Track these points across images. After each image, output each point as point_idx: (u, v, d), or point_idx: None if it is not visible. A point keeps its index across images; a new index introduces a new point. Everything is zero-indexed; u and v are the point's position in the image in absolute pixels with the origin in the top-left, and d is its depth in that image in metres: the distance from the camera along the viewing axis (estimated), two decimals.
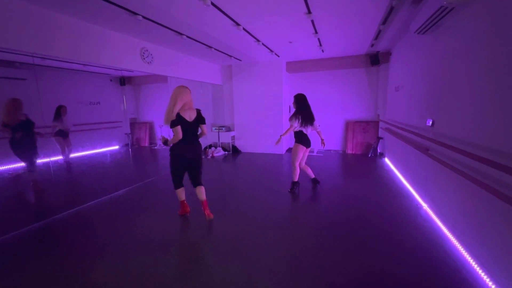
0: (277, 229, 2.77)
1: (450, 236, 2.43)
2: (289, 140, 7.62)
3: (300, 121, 3.62)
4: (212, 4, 2.89)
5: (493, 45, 1.85)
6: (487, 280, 1.82)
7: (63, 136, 5.67)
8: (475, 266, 1.98)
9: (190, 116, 2.80)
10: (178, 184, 2.99)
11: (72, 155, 6.10)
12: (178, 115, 2.72)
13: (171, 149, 2.88)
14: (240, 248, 2.42)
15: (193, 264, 2.23)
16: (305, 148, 3.73)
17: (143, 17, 3.23)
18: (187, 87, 2.83)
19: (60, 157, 6.17)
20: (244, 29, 3.83)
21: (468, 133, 2.15)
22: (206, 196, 3.00)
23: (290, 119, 3.69)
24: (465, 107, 2.22)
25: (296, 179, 3.82)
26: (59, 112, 5.52)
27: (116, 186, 4.33)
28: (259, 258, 2.25)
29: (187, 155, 2.87)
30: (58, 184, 4.83)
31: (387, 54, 5.75)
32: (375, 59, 5.85)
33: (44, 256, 2.35)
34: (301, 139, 3.70)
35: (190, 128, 2.83)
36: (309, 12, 3.26)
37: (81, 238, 2.67)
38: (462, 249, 2.21)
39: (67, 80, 7.05)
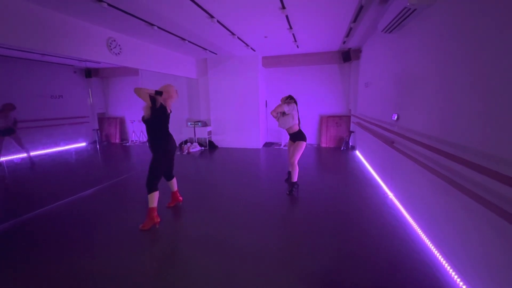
0: (256, 225, 2.80)
1: (412, 222, 2.65)
2: (265, 135, 7.69)
3: (296, 106, 3.53)
4: None
5: (450, 45, 2.01)
6: (443, 261, 2.02)
7: (3, 134, 5.06)
8: (433, 248, 2.18)
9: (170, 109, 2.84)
10: (156, 186, 2.71)
11: (32, 154, 5.60)
12: (162, 105, 2.70)
13: (159, 146, 2.71)
14: (220, 245, 2.41)
15: (173, 262, 2.19)
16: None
17: (109, 4, 3.03)
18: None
19: (18, 156, 5.68)
20: (218, 21, 3.74)
21: (428, 127, 2.33)
22: (184, 193, 3.02)
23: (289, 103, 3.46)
24: (426, 103, 2.39)
25: (296, 179, 3.57)
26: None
27: (83, 185, 4.07)
28: (240, 253, 2.27)
29: (173, 148, 2.87)
30: (15, 185, 4.41)
31: (358, 51, 6.00)
32: (347, 56, 6.07)
33: (15, 259, 2.15)
34: (303, 135, 3.54)
35: (168, 121, 2.83)
36: (283, 7, 3.28)
37: (51, 239, 2.49)
38: (421, 233, 2.41)
39: (21, 71, 6.42)
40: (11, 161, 5.62)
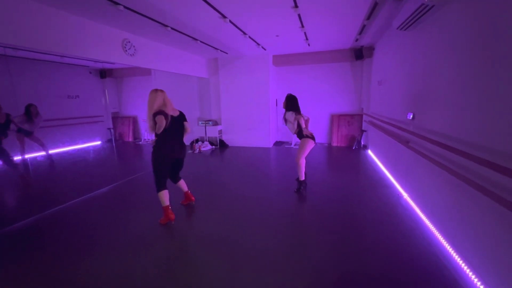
0: (267, 224, 2.82)
1: (429, 223, 2.59)
2: (275, 133, 7.68)
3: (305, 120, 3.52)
4: None
5: (469, 43, 1.95)
6: (462, 264, 1.97)
7: (25, 134, 5.23)
8: (451, 250, 2.14)
9: (174, 113, 2.78)
10: (162, 185, 2.76)
11: (51, 152, 5.83)
12: (160, 110, 2.65)
13: (157, 148, 2.71)
14: (230, 243, 2.45)
15: (184, 260, 2.25)
16: (314, 143, 3.53)
17: (125, 7, 3.10)
18: (159, 90, 2.69)
19: (39, 154, 5.90)
20: (230, 21, 3.77)
21: (446, 126, 2.28)
22: (196, 191, 3.10)
23: (297, 117, 3.45)
24: (443, 102, 2.33)
25: (303, 178, 3.59)
26: (29, 111, 5.08)
27: (100, 183, 4.21)
28: (250, 253, 2.30)
29: (175, 154, 2.84)
30: (38, 182, 4.62)
31: (370, 49, 5.89)
32: (359, 54, 5.98)
33: (30, 255, 2.27)
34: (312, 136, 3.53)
35: (176, 126, 2.80)
36: (296, 6, 3.27)
37: (68, 237, 2.60)
38: (439, 235, 2.36)
39: (42, 72, 6.68)
40: (34, 159, 5.86)
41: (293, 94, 3.61)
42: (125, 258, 2.22)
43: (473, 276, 1.81)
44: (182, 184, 3.17)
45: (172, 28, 4.01)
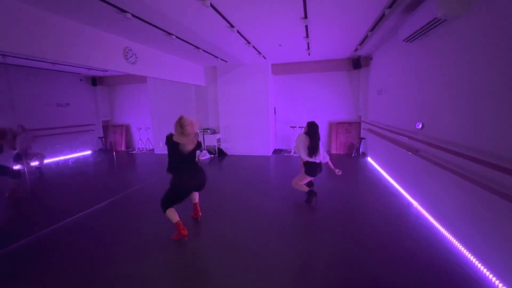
0: (271, 232, 2.77)
1: (445, 232, 2.61)
2: (274, 142, 7.66)
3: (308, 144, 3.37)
4: (211, 5, 2.77)
5: (480, 55, 2.01)
6: (487, 272, 1.98)
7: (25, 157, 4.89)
8: (474, 260, 2.14)
9: (190, 147, 2.61)
10: (168, 207, 2.63)
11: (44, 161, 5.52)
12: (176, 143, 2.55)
13: (173, 177, 2.62)
14: (237, 251, 2.41)
15: (193, 268, 2.13)
16: (311, 178, 3.57)
17: (133, 15, 3.01)
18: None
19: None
20: (237, 31, 3.75)
21: (459, 135, 2.33)
22: (200, 202, 3.14)
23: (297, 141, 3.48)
24: (455, 111, 2.39)
25: (306, 189, 3.55)
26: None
27: (98, 196, 3.98)
28: (257, 261, 2.25)
29: (193, 184, 2.69)
30: (34, 194, 4.31)
31: (367, 59, 6.04)
32: (357, 63, 6.12)
33: (42, 269, 2.07)
34: (311, 170, 3.44)
35: (188, 157, 2.63)
36: (305, 17, 3.29)
37: (76, 250, 2.41)
38: (459, 244, 2.37)
39: (29, 79, 6.35)
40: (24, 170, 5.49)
41: (314, 121, 3.54)
42: (137, 268, 2.09)
43: (500, 285, 1.82)
44: (195, 194, 3.10)
45: (176, 37, 3.94)
